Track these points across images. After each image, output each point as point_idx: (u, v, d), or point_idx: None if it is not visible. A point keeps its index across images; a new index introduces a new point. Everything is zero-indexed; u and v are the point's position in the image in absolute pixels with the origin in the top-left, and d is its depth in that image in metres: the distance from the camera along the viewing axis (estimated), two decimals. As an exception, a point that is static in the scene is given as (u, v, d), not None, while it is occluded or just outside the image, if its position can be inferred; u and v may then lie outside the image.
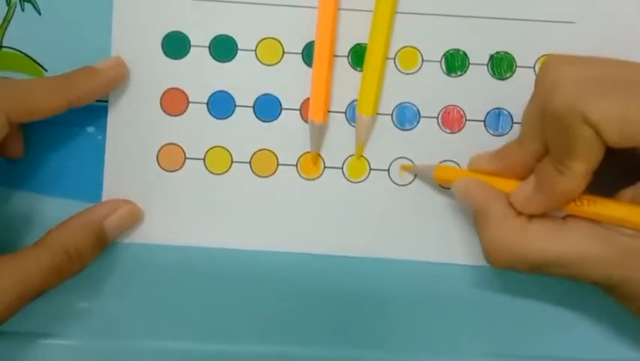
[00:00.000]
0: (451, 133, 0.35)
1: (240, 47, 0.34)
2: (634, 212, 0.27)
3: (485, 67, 0.34)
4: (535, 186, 0.29)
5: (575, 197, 0.28)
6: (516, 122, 0.34)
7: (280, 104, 0.35)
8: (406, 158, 0.35)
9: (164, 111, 0.34)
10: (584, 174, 0.27)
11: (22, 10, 0.34)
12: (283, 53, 0.34)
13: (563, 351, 0.35)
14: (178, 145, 0.35)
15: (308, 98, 0.34)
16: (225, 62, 0.34)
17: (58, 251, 0.31)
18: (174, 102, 0.34)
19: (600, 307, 0.34)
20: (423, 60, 0.34)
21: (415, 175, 0.34)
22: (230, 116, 0.35)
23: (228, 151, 0.35)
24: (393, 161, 0.35)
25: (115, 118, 0.34)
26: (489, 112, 0.34)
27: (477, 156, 0.32)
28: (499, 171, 0.31)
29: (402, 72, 0.34)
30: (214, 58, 0.34)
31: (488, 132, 0.34)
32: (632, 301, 0.29)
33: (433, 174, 0.33)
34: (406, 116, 0.35)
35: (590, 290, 0.29)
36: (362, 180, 0.35)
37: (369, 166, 0.35)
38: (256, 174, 0.35)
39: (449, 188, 0.34)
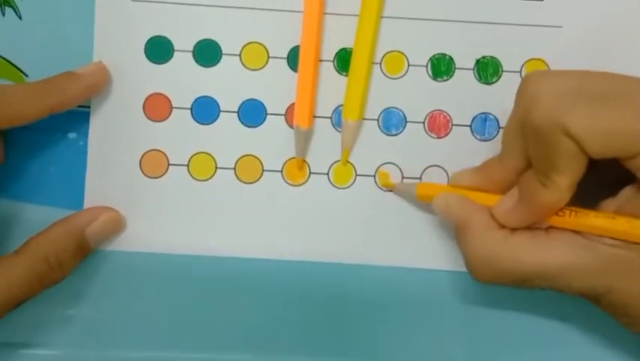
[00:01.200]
0: (438, 138, 0.34)
1: (224, 51, 0.34)
2: (616, 223, 0.27)
3: (471, 71, 0.34)
4: (519, 199, 0.29)
5: (559, 209, 0.28)
6: (502, 127, 0.34)
7: (265, 110, 0.34)
8: (392, 163, 0.34)
9: (147, 117, 0.34)
10: (568, 187, 0.27)
11: (3, 14, 0.34)
12: (268, 57, 0.34)
13: (546, 358, 0.35)
14: (161, 151, 0.34)
15: (293, 104, 0.34)
16: (209, 66, 0.34)
17: (39, 259, 0.31)
18: (157, 108, 0.34)
19: (583, 315, 0.34)
20: (409, 65, 0.34)
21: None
22: (215, 121, 0.34)
23: (212, 157, 0.34)
24: (379, 166, 0.34)
25: (97, 124, 0.34)
26: (475, 117, 0.34)
27: (458, 173, 0.32)
28: (481, 187, 0.31)
29: (388, 77, 0.34)
30: (198, 63, 0.34)
31: (474, 137, 0.34)
32: (617, 311, 0.28)
33: (415, 192, 0.33)
34: (392, 121, 0.34)
35: (573, 298, 0.29)
36: (348, 186, 0.34)
37: (355, 172, 0.34)
38: (241, 180, 0.34)
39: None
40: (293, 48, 0.34)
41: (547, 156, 0.26)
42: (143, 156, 0.34)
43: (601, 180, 0.28)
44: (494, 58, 0.34)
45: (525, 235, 0.28)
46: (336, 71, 0.34)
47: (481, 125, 0.34)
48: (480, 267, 0.29)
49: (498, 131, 0.34)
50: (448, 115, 0.34)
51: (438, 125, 0.34)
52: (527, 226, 0.29)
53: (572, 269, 0.27)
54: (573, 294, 0.28)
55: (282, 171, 0.34)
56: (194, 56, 0.34)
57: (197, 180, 0.34)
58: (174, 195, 0.34)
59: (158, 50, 0.34)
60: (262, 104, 0.34)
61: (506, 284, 0.29)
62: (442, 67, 0.34)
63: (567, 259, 0.27)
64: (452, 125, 0.34)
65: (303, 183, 0.34)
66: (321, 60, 0.34)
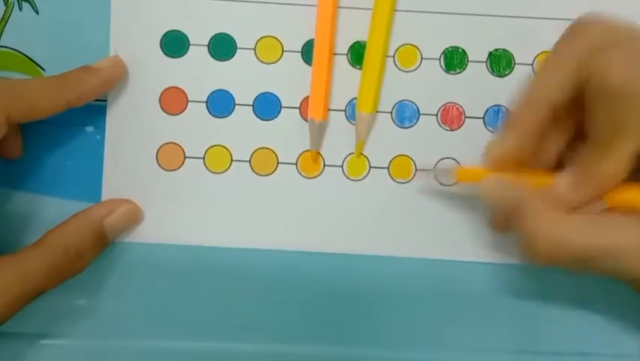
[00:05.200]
0: (451, 130, 0.35)
1: (239, 45, 0.34)
2: None
3: (484, 64, 0.34)
4: (578, 176, 0.28)
5: (620, 181, 0.27)
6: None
7: (280, 103, 0.34)
8: (406, 155, 0.35)
9: (164, 110, 0.34)
10: (630, 155, 0.26)
11: (20, 9, 0.34)
12: (282, 51, 0.34)
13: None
14: (177, 144, 0.34)
15: (307, 97, 0.34)
16: (224, 60, 0.34)
17: (58, 251, 0.31)
18: (173, 101, 0.34)
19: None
20: (422, 58, 0.34)
21: (419, 175, 0.34)
22: (230, 114, 0.34)
23: (228, 150, 0.34)
24: (392, 159, 0.35)
25: (114, 117, 0.34)
26: (488, 109, 0.34)
27: (491, 143, 0.30)
28: (519, 145, 0.29)
29: (401, 70, 0.34)
30: (213, 56, 0.34)
31: (487, 129, 0.35)
32: None
33: (454, 176, 0.32)
34: (405, 114, 0.35)
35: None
36: (362, 178, 0.35)
37: (369, 164, 0.35)
38: (256, 173, 0.35)
39: (450, 186, 0.34)
40: (307, 42, 0.34)
41: (617, 118, 0.26)
42: (159, 149, 0.34)
43: None
44: (507, 51, 0.34)
45: (583, 216, 0.28)
46: (350, 64, 0.34)
47: (494, 117, 0.34)
48: (539, 248, 0.28)
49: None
50: (461, 107, 0.34)
51: (451, 117, 0.35)
52: (588, 202, 0.28)
53: (636, 251, 0.27)
54: (632, 277, 0.27)
55: (296, 164, 0.35)
56: (209, 49, 0.34)
57: (212, 172, 0.34)
58: (190, 187, 0.34)
59: (174, 44, 0.34)
60: (277, 97, 0.34)
61: (566, 265, 0.28)
62: (454, 60, 0.34)
63: (631, 240, 0.27)
64: (465, 117, 0.34)
65: (318, 176, 0.35)
66: (336, 53, 0.34)
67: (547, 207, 0.28)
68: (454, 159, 0.34)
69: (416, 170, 0.35)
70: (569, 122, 0.30)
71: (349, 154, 0.35)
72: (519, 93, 0.29)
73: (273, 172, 0.35)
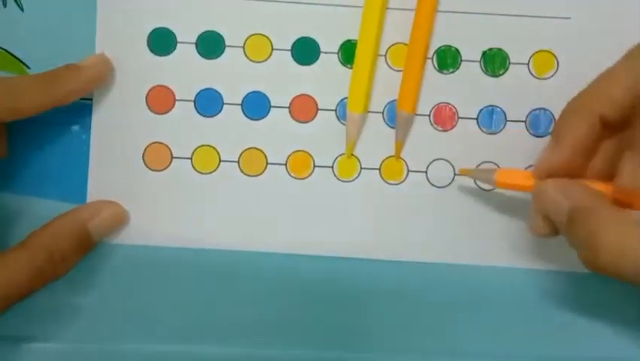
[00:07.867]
0: (443, 131, 0.34)
1: (227, 43, 0.34)
2: None
3: (478, 63, 0.34)
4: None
5: None
6: (509, 120, 0.34)
7: (269, 102, 0.34)
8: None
9: (150, 109, 0.34)
10: None
11: (5, 6, 0.33)
12: (272, 49, 0.34)
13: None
14: (164, 144, 0.34)
15: (297, 96, 0.34)
16: (213, 58, 0.34)
17: (41, 253, 0.30)
18: (160, 100, 0.34)
19: None
20: (414, 57, 0.34)
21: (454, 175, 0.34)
22: (218, 114, 0.34)
23: (216, 150, 0.34)
24: (384, 160, 0.34)
25: (100, 116, 0.34)
26: (482, 109, 0.34)
27: (540, 157, 0.29)
28: (568, 159, 0.28)
29: (393, 69, 0.34)
30: (201, 54, 0.34)
31: (481, 130, 0.34)
32: None
33: (494, 178, 0.31)
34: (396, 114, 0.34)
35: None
36: (353, 180, 0.34)
37: (360, 165, 0.34)
38: (245, 173, 0.34)
39: (444, 186, 0.33)
40: (297, 40, 0.34)
41: None
42: (146, 148, 0.34)
43: None
44: (501, 50, 0.34)
45: None
46: (341, 63, 0.34)
47: (488, 117, 0.34)
48: (605, 257, 0.25)
49: (505, 124, 0.34)
50: (454, 108, 0.34)
51: (444, 117, 0.34)
52: None
53: None
54: None
55: (286, 164, 0.34)
56: (197, 47, 0.34)
57: (200, 173, 0.34)
58: (177, 188, 0.34)
59: (161, 41, 0.34)
60: (266, 96, 0.34)
61: (630, 278, 0.25)
62: (447, 59, 0.34)
63: None
64: (458, 117, 0.34)
65: (308, 177, 0.34)
66: (326, 52, 0.34)
67: (620, 209, 0.26)
68: (447, 161, 0.34)
69: (409, 172, 0.34)
70: (620, 133, 0.29)
71: (340, 155, 0.34)
72: (568, 102, 0.28)
73: (262, 173, 0.34)
